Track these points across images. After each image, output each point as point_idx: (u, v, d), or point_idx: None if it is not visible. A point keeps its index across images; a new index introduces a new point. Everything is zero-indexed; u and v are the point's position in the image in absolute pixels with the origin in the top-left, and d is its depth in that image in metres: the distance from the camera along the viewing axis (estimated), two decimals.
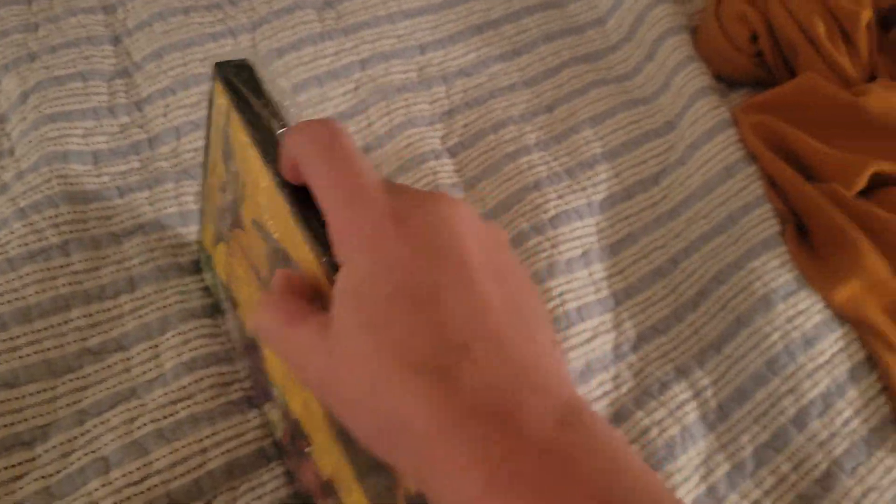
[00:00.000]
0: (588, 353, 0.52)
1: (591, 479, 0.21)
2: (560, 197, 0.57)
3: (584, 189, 0.58)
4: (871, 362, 0.55)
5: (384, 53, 0.61)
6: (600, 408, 0.50)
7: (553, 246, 0.55)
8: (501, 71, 0.63)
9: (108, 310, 0.46)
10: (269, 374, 0.41)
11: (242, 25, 0.58)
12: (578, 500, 0.20)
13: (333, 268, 0.26)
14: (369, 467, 0.32)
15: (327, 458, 0.37)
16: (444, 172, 0.57)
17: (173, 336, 0.46)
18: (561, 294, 0.53)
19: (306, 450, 0.39)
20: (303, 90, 0.58)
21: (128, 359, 0.46)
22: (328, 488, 0.38)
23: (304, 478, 0.41)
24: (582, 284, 0.55)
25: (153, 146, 0.53)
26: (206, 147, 0.38)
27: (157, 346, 0.46)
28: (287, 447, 0.43)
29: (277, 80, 0.35)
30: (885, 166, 0.58)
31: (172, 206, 0.50)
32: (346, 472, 0.34)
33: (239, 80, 0.33)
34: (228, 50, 0.57)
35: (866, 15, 0.61)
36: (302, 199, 0.29)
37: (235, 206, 0.37)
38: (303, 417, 0.39)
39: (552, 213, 0.56)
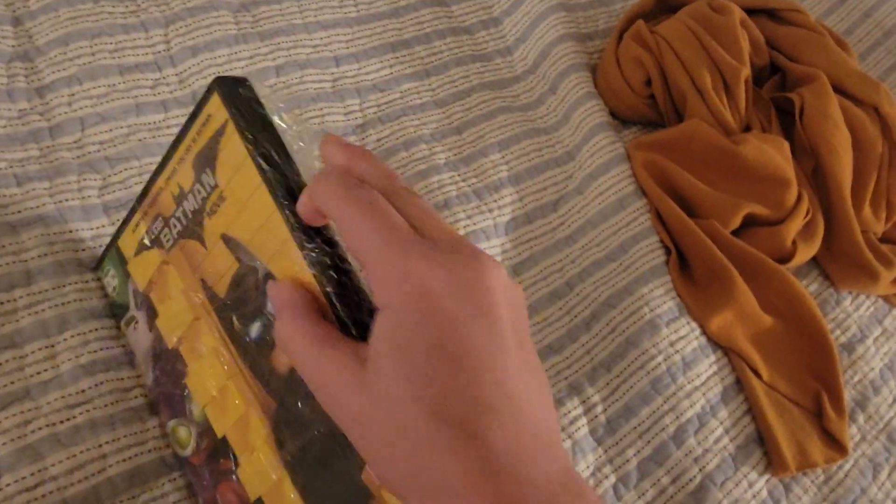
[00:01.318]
0: None
1: None
2: (469, 217, 0.61)
3: (490, 210, 0.63)
4: (739, 386, 0.63)
5: (299, 62, 0.63)
6: None
7: None
8: (413, 89, 0.67)
9: (1, 303, 0.45)
10: (190, 391, 0.42)
11: (155, 19, 0.58)
12: None
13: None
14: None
15: (258, 481, 0.38)
16: None
17: (71, 336, 0.46)
18: None
19: (235, 470, 0.40)
20: None
21: (21, 357, 0.45)
22: None
23: (221, 496, 0.42)
24: None
25: (54, 135, 0.52)
26: (170, 151, 0.39)
27: (53, 345, 0.45)
28: (200, 466, 0.43)
29: (279, 104, 0.36)
30: (757, 209, 0.67)
31: (75, 199, 0.50)
32: (287, 498, 0.36)
33: (239, 97, 0.34)
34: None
35: (745, 72, 0.70)
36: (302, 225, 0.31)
37: (195, 218, 0.38)
38: (232, 439, 0.40)
39: (461, 232, 0.60)
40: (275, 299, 0.31)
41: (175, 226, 0.40)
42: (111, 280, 0.47)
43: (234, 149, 0.34)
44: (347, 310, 0.30)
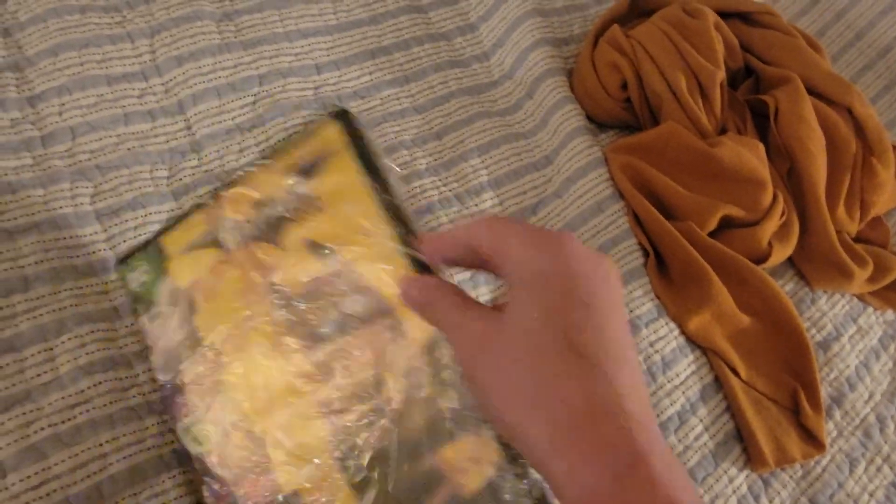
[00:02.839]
0: None
1: None
2: (451, 221, 0.68)
3: (472, 215, 0.69)
4: (718, 384, 0.69)
5: (282, 70, 0.69)
6: None
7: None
8: (393, 96, 0.74)
9: (0, 308, 0.51)
10: (226, 386, 0.47)
11: (141, 30, 0.64)
12: None
13: None
14: None
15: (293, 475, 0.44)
16: None
17: (69, 339, 0.51)
18: None
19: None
20: (201, 101, 0.64)
21: (21, 360, 0.50)
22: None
23: (247, 489, 0.46)
24: None
25: (46, 144, 0.58)
26: (261, 160, 0.46)
27: (52, 348, 0.51)
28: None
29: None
30: (733, 210, 0.74)
31: (68, 207, 0.55)
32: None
33: (354, 130, 0.43)
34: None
35: (720, 75, 0.78)
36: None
37: (276, 223, 0.45)
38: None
39: None
40: (412, 283, 0.38)
41: (245, 230, 0.46)
42: (139, 276, 0.52)
43: (345, 171, 0.42)
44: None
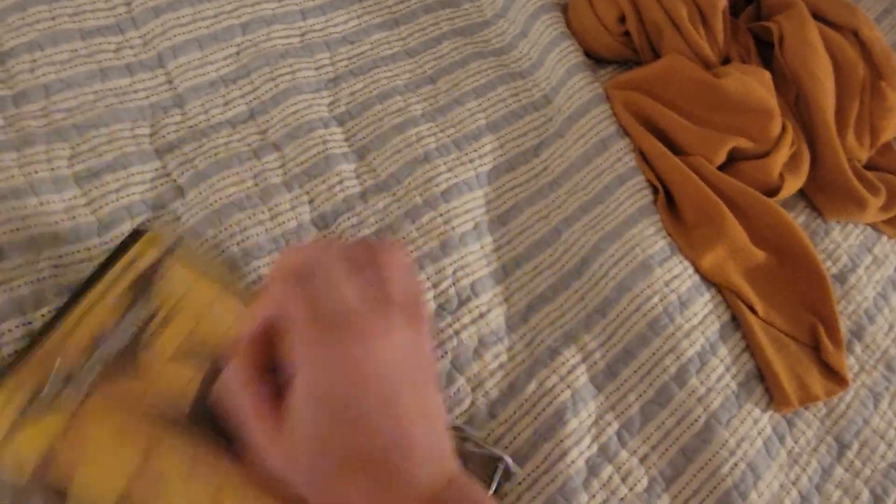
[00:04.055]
0: (482, 328, 0.56)
1: None
2: (450, 169, 0.62)
3: (471, 161, 0.63)
4: (736, 322, 0.64)
5: (265, 18, 0.62)
6: (495, 382, 0.55)
7: (446, 222, 0.59)
8: (383, 40, 0.67)
9: None
10: None
11: None
12: None
13: None
14: None
15: None
16: (334, 141, 0.60)
17: (48, 312, 0.45)
18: (454, 272, 0.58)
19: None
20: (182, 53, 0.58)
21: None
22: None
23: None
24: (475, 258, 0.59)
25: (18, 103, 0.51)
26: (70, 302, 0.40)
27: (31, 322, 0.45)
28: None
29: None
30: (742, 142, 0.68)
31: (44, 171, 0.49)
32: None
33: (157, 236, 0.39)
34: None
35: (722, 2, 0.71)
36: None
37: (126, 352, 0.38)
38: None
39: (444, 186, 0.61)
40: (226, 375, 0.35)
41: (89, 374, 0.38)
42: None
43: (178, 272, 0.39)
44: None
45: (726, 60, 0.74)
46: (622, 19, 0.73)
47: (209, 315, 0.38)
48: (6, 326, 0.44)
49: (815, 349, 0.65)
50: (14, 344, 0.44)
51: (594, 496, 0.52)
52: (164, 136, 0.55)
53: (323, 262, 0.33)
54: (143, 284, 0.39)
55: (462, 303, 0.57)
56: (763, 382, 0.62)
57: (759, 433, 0.60)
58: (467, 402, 0.53)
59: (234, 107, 0.59)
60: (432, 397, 0.35)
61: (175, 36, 0.58)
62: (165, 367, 0.38)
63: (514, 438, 0.52)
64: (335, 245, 0.35)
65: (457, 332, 0.55)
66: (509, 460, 0.49)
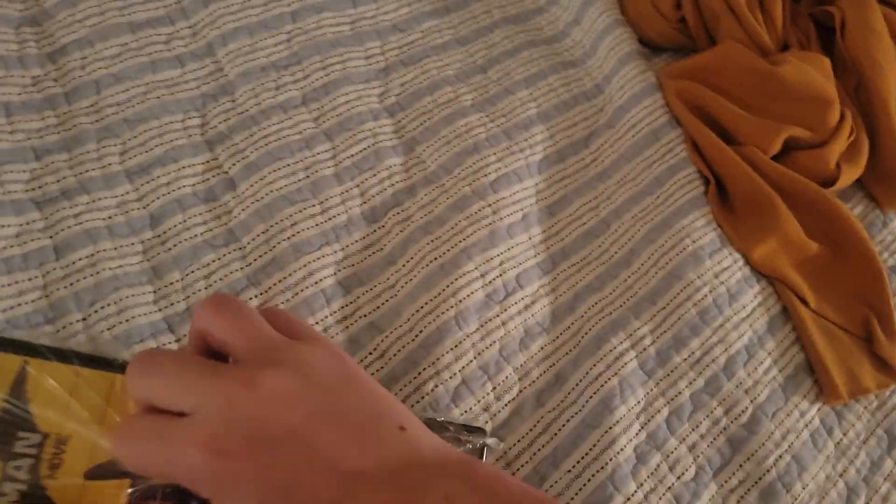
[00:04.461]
0: (527, 320, 0.56)
1: None
2: (499, 160, 0.61)
3: (521, 150, 0.63)
4: (786, 315, 0.63)
5: (314, 5, 0.62)
6: (541, 371, 0.55)
7: (494, 212, 0.59)
8: (434, 28, 0.66)
9: (31, 279, 0.46)
10: None
11: None
12: None
13: None
14: None
15: None
16: (384, 134, 0.60)
17: (106, 305, 0.47)
18: (501, 263, 0.57)
19: None
20: (232, 40, 0.58)
21: (60, 329, 0.46)
22: None
23: None
24: (522, 249, 0.59)
25: (70, 100, 0.52)
26: None
27: (86, 317, 0.47)
28: None
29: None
30: (798, 131, 0.66)
31: (95, 170, 0.50)
32: None
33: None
34: None
35: None
36: None
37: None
38: None
39: (493, 176, 0.60)
40: None
41: None
42: None
43: (49, 385, 0.35)
44: None
45: (785, 47, 0.71)
46: (678, 5, 0.71)
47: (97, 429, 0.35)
48: (65, 321, 0.46)
49: (868, 342, 0.64)
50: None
51: (642, 484, 0.52)
52: (214, 126, 0.56)
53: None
54: (13, 412, 0.35)
55: (509, 293, 0.57)
56: (812, 375, 0.61)
57: (807, 426, 0.59)
58: (515, 391, 0.53)
59: (286, 91, 0.59)
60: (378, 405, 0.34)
61: (225, 24, 0.58)
62: (86, 488, 0.35)
63: (563, 427, 0.52)
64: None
65: (504, 323, 0.55)
66: (490, 441, 0.49)
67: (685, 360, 0.57)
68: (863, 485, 0.57)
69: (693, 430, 0.55)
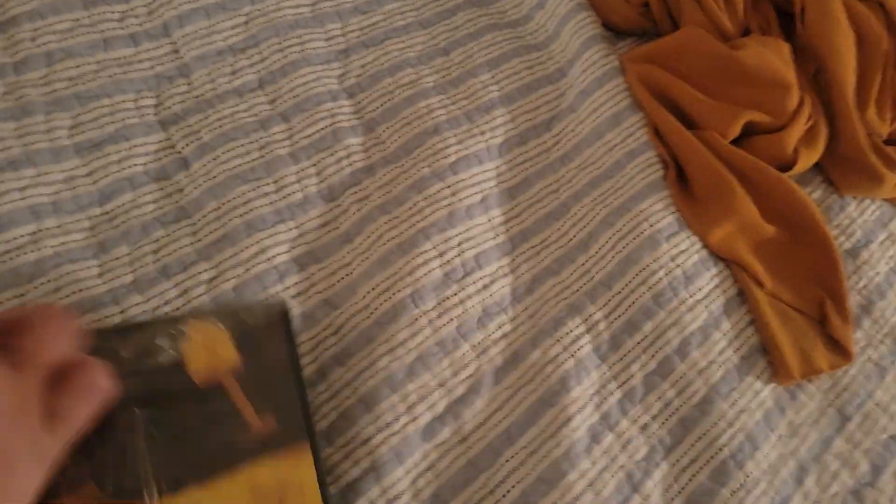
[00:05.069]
0: (486, 299, 0.56)
1: None
2: (460, 142, 0.61)
3: (482, 133, 0.62)
4: (742, 297, 0.63)
5: None
6: (499, 349, 0.55)
7: (453, 193, 0.59)
8: (396, 10, 0.66)
9: None
10: None
11: None
12: None
13: None
14: None
15: None
16: (343, 115, 0.59)
17: (45, 282, 0.46)
18: (460, 244, 0.57)
19: None
20: (188, 22, 0.57)
21: None
22: None
23: None
24: (481, 231, 0.58)
25: (19, 71, 0.51)
26: None
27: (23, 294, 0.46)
28: None
29: None
30: (757, 116, 0.65)
31: (43, 141, 0.49)
32: None
33: None
34: None
35: None
36: None
37: None
38: None
39: (453, 158, 0.60)
40: None
41: None
42: None
43: None
44: None
45: (746, 32, 0.71)
46: None
47: None
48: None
49: (822, 324, 0.64)
50: None
51: (595, 463, 0.52)
52: (169, 108, 0.55)
53: None
54: None
55: (467, 273, 0.56)
56: (766, 356, 0.61)
57: (760, 405, 0.59)
58: (472, 368, 0.53)
59: (242, 76, 0.58)
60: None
61: (181, 5, 0.57)
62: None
63: (519, 403, 0.52)
64: None
65: (462, 301, 0.55)
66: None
67: (638, 343, 0.57)
68: (813, 463, 0.57)
69: (645, 411, 0.55)
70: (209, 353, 0.37)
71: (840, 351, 0.63)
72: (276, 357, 0.39)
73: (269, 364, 0.39)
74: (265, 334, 0.39)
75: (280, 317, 0.41)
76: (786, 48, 0.67)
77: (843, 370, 0.63)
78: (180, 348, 0.38)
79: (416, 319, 0.52)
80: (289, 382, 0.39)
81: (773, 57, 0.66)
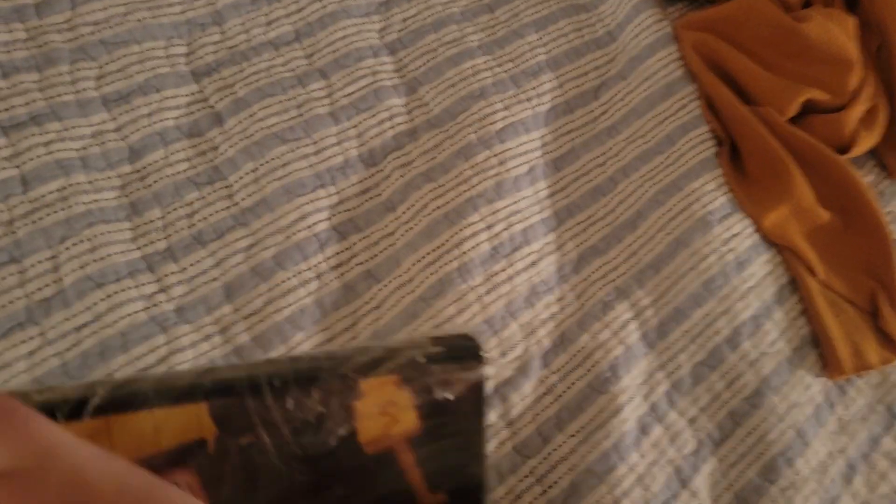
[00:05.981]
0: (533, 277, 0.52)
1: None
2: (507, 108, 0.56)
3: (529, 100, 0.57)
4: (794, 285, 0.59)
5: None
6: (547, 331, 0.51)
7: (501, 163, 0.54)
8: None
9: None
10: None
11: None
12: None
13: None
14: None
15: None
16: (384, 73, 0.54)
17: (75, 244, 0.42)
18: (508, 216, 0.53)
19: None
20: None
21: (22, 272, 0.41)
22: None
23: None
24: (529, 204, 0.54)
25: (41, 13, 0.46)
26: None
27: (55, 256, 0.41)
28: None
29: None
30: (817, 94, 0.61)
31: (69, 94, 0.44)
32: None
33: None
34: None
35: None
36: None
37: None
38: None
39: (500, 125, 0.55)
40: None
41: None
42: None
43: None
44: None
45: (808, 3, 0.67)
46: None
47: None
48: (29, 262, 0.41)
49: (873, 316, 0.61)
50: (38, 280, 0.40)
51: (644, 456, 0.49)
52: (201, 58, 0.50)
53: None
54: None
55: (515, 248, 0.52)
56: (817, 348, 0.58)
57: (810, 400, 0.55)
58: (520, 349, 0.49)
59: (278, 27, 0.53)
60: None
61: None
62: None
63: (568, 388, 0.49)
64: None
65: (510, 277, 0.51)
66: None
67: (686, 332, 0.54)
68: (862, 461, 0.54)
69: (693, 403, 0.52)
70: (386, 418, 0.30)
71: (891, 346, 0.59)
72: (464, 429, 0.32)
73: (454, 434, 0.33)
74: (454, 404, 0.32)
75: (475, 387, 0.33)
76: (851, 22, 0.63)
77: (894, 366, 0.59)
78: (352, 411, 0.30)
79: (464, 295, 0.48)
80: (471, 461, 0.32)
81: (838, 31, 0.61)
